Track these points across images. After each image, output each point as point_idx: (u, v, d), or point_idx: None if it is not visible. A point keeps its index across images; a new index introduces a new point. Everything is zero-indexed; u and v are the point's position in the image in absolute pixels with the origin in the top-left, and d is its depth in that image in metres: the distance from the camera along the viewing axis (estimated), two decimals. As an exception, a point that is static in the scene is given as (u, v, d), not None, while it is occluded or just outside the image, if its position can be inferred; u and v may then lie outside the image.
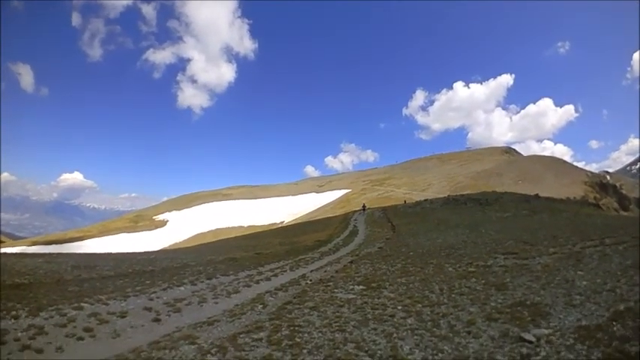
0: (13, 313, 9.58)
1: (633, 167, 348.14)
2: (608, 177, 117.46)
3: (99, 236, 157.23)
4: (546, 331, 7.75)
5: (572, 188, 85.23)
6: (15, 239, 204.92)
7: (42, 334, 8.63)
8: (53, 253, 28.89)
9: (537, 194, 56.98)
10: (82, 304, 10.99)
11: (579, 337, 7.28)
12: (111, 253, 31.05)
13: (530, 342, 7.37)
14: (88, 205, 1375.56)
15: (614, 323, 7.55)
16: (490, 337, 7.96)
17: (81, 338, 8.78)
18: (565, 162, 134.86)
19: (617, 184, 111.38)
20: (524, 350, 7.09)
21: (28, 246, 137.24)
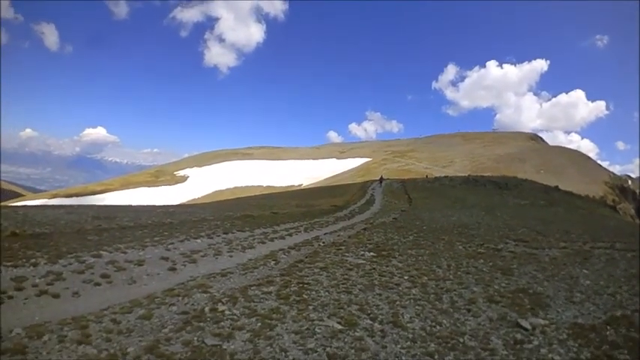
0: (33, 260, 9.69)
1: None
2: (629, 182, 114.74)
3: (120, 189, 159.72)
4: (542, 322, 7.98)
5: (592, 186, 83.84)
6: (36, 192, 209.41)
7: (60, 280, 8.77)
8: (74, 205, 29.53)
9: (557, 186, 56.33)
10: (101, 252, 11.17)
11: (573, 333, 7.51)
12: (131, 206, 31.37)
13: (526, 329, 7.61)
14: (110, 159, 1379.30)
15: (608, 327, 7.76)
16: (488, 317, 8.23)
17: (98, 284, 8.95)
18: (589, 158, 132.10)
19: (638, 191, 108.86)
20: (519, 336, 7.33)
21: (49, 199, 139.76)
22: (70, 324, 6.63)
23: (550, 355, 6.67)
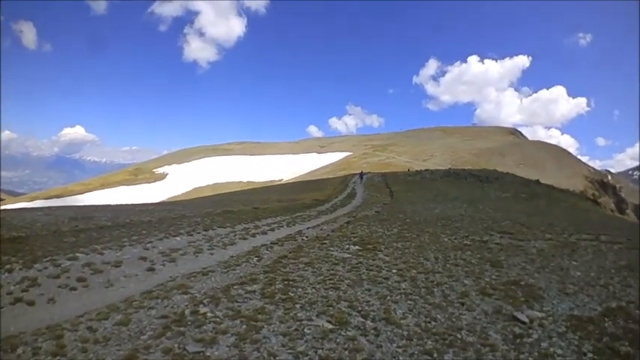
0: (8, 266, 9.45)
1: (635, 172, 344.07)
2: (609, 176, 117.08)
3: (99, 189, 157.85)
4: (539, 314, 7.80)
5: (572, 180, 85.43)
6: (15, 196, 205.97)
7: (35, 286, 8.54)
8: (52, 207, 28.90)
9: (538, 180, 57.00)
10: (77, 255, 10.89)
11: (571, 326, 7.33)
12: (109, 205, 30.99)
13: (524, 322, 7.41)
14: (88, 158, 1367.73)
15: (605, 319, 7.62)
16: (483, 311, 8.00)
17: (74, 288, 8.70)
18: (569, 153, 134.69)
19: (617, 186, 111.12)
20: (517, 330, 7.13)
21: (28, 202, 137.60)
22: (45, 334, 6.32)
23: (552, 349, 6.44)
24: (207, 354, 5.84)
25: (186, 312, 7.32)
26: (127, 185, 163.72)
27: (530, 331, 7.10)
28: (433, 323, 7.31)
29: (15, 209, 27.02)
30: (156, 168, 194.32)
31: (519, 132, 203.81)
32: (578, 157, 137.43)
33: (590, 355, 6.32)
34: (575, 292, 9.24)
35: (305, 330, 6.72)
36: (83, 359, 5.62)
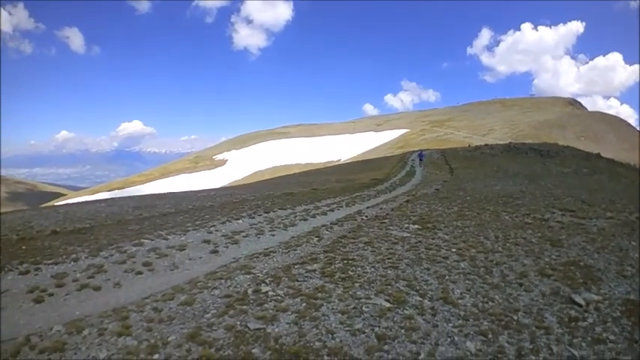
0: (73, 256, 9.68)
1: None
2: None
3: (160, 178, 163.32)
4: (596, 297, 7.60)
5: (632, 153, 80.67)
6: (77, 190, 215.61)
7: (101, 272, 8.75)
8: (115, 198, 30.04)
9: (599, 153, 54.47)
10: (142, 241, 11.19)
11: (626, 310, 7.11)
12: (171, 193, 31.81)
13: (580, 305, 7.26)
14: (148, 150, 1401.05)
15: None
16: (541, 292, 7.87)
17: (139, 273, 8.92)
18: (629, 125, 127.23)
19: None
20: (573, 313, 7.00)
21: (91, 195, 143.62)
22: (111, 316, 6.58)
23: (605, 335, 6.30)
24: (268, 331, 6.05)
25: (249, 291, 7.54)
26: (188, 173, 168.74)
27: (586, 314, 6.96)
28: (490, 304, 7.27)
29: (77, 202, 28.19)
30: (215, 155, 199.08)
31: (578, 102, 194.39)
32: (638, 127, 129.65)
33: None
34: (632, 274, 8.90)
35: (363, 308, 6.84)
36: (148, 338, 5.85)
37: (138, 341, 5.78)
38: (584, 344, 6.05)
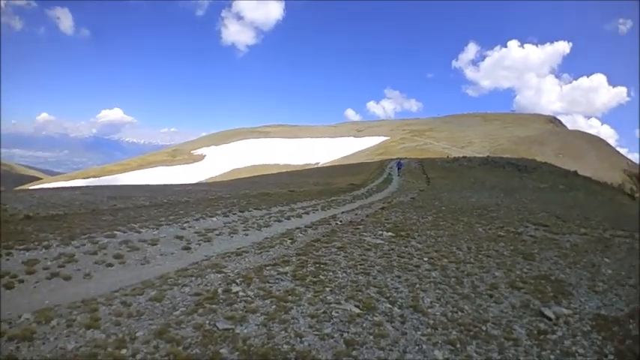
0: (45, 243, 9.58)
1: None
2: None
3: (137, 169, 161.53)
4: (566, 311, 7.73)
5: (610, 173, 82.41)
6: (53, 175, 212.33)
7: (72, 262, 8.68)
8: (90, 186, 29.65)
9: (576, 171, 55.49)
10: (115, 232, 11.07)
11: (596, 325, 7.25)
12: (148, 185, 31.51)
13: (550, 318, 7.37)
14: (127, 140, 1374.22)
15: (630, 321, 7.48)
16: (511, 304, 7.97)
17: (110, 265, 8.86)
18: (608, 144, 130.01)
19: None
20: (542, 326, 7.10)
21: (67, 181, 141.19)
22: (80, 307, 6.52)
23: (574, 348, 6.41)
24: (237, 331, 6.01)
25: (219, 290, 7.50)
26: (165, 166, 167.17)
27: (556, 327, 7.07)
28: (460, 314, 7.32)
29: (53, 188, 27.78)
30: (194, 149, 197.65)
31: (559, 120, 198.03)
32: (618, 148, 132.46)
33: (611, 356, 6.27)
34: (604, 290, 9.09)
35: (333, 313, 6.83)
36: (116, 332, 5.80)
37: (106, 335, 5.72)
38: (552, 357, 6.14)
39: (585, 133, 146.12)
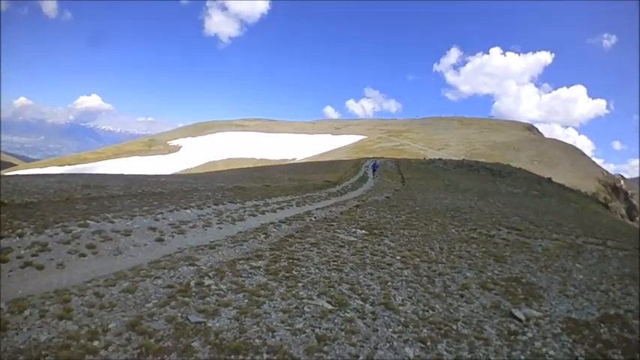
0: (19, 231, 9.46)
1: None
2: (622, 181, 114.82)
3: (113, 158, 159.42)
4: (537, 314, 7.85)
5: (585, 182, 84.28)
6: (29, 162, 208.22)
7: (45, 251, 8.58)
8: (65, 174, 29.05)
9: (550, 178, 56.57)
10: (88, 222, 10.93)
11: (567, 328, 7.38)
12: (122, 175, 31.04)
13: (520, 320, 7.48)
14: (103, 127, 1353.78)
15: (601, 325, 7.63)
16: (482, 305, 8.08)
17: (83, 255, 8.78)
18: (584, 154, 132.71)
19: (630, 192, 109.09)
20: (512, 327, 7.20)
21: (42, 168, 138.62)
22: (53, 297, 6.45)
23: (544, 350, 6.51)
24: (209, 325, 5.99)
25: (192, 283, 7.46)
26: (141, 156, 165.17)
27: (526, 329, 7.17)
28: (431, 312, 7.42)
29: (28, 175, 27.16)
30: (170, 140, 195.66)
31: (536, 128, 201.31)
32: (593, 159, 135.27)
33: (581, 359, 6.38)
34: (575, 294, 9.27)
35: (305, 308, 6.86)
36: (88, 323, 5.74)
37: (78, 326, 5.66)
38: (523, 358, 6.23)
39: (561, 141, 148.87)
